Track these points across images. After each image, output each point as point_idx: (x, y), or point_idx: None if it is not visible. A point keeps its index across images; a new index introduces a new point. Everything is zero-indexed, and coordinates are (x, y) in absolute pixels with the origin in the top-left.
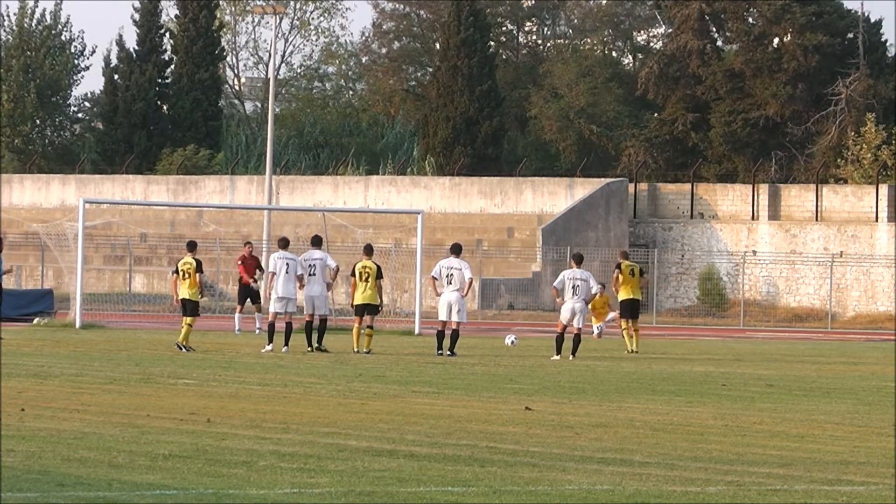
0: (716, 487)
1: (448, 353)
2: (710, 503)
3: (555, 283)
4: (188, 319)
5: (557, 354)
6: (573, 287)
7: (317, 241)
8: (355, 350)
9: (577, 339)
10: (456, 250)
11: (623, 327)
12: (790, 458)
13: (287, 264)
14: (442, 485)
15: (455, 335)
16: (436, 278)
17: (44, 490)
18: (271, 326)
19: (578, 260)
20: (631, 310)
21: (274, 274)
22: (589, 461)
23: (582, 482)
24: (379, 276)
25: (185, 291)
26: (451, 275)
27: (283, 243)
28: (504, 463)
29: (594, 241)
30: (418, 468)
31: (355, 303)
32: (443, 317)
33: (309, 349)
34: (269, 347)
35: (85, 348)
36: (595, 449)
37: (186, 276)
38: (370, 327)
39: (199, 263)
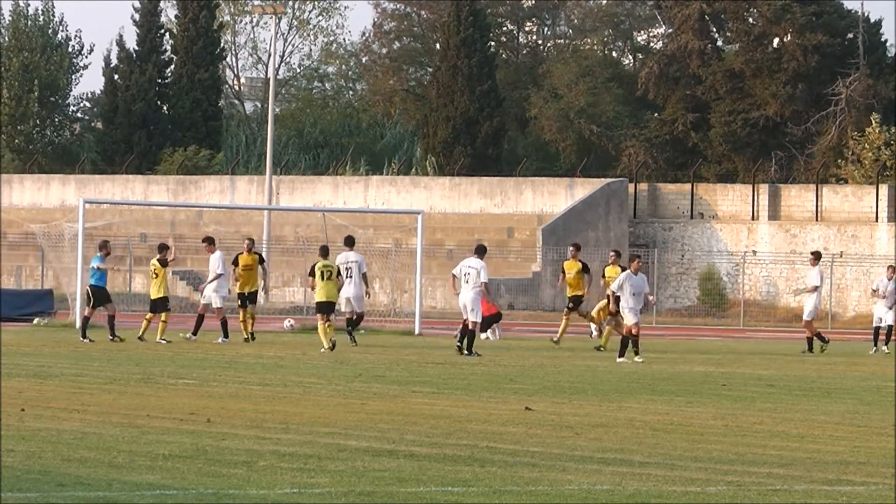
0: (716, 487)
1: (467, 353)
2: (710, 503)
3: None
4: (163, 316)
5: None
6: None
7: (350, 242)
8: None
9: (624, 341)
10: (479, 251)
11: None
12: (790, 458)
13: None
14: (442, 485)
15: (472, 335)
16: (455, 276)
17: (44, 490)
18: (223, 322)
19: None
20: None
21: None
22: (589, 461)
23: (582, 482)
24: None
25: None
26: (468, 273)
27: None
28: (504, 463)
29: (594, 241)
30: (418, 468)
31: (318, 300)
32: (463, 314)
33: (353, 344)
34: (222, 340)
35: (85, 348)
36: (595, 449)
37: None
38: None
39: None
